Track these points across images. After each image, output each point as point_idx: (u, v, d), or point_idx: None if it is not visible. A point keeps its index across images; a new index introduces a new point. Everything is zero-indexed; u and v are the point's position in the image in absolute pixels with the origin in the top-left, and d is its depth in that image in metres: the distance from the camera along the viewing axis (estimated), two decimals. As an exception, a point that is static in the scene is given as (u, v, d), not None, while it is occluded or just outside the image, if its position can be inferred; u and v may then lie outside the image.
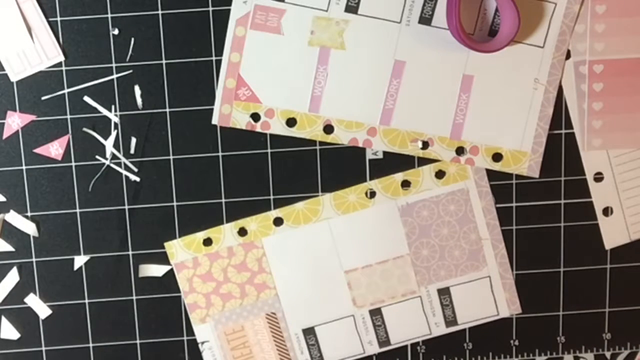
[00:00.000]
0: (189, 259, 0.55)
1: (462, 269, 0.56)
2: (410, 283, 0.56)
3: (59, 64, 0.54)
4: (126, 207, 0.55)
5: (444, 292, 0.56)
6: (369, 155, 0.55)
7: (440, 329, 0.57)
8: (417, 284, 0.56)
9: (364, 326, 0.56)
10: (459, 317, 0.57)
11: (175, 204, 0.55)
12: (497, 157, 0.55)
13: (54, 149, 0.54)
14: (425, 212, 0.55)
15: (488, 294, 0.56)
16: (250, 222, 0.55)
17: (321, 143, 0.55)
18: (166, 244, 0.55)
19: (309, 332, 0.56)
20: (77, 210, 0.55)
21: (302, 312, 0.56)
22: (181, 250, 0.55)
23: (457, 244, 0.56)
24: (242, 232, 0.55)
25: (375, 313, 0.56)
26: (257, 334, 0.56)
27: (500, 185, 0.56)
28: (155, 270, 0.56)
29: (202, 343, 0.56)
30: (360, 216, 0.55)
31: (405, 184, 0.55)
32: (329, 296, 0.56)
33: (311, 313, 0.56)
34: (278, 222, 0.55)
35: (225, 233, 0.55)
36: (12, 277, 0.56)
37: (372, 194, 0.55)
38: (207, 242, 0.55)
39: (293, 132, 0.54)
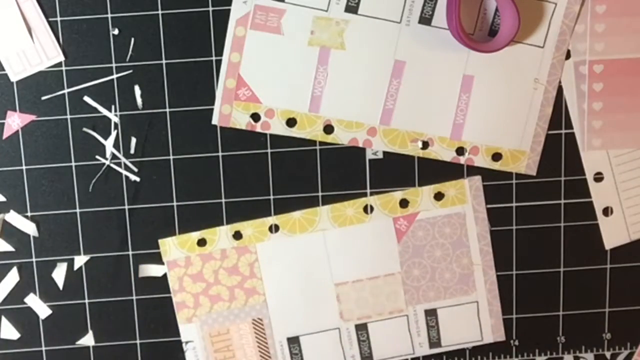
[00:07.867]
0: (182, 258, 0.55)
1: (451, 292, 0.56)
2: (398, 301, 0.56)
3: (59, 64, 0.54)
4: (126, 207, 0.55)
5: (431, 314, 0.56)
6: (369, 155, 0.55)
7: (424, 350, 0.57)
8: (406, 303, 0.56)
9: (349, 340, 0.56)
10: (443, 340, 0.56)
11: (175, 204, 0.55)
12: (496, 156, 0.55)
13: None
14: (421, 233, 0.55)
15: (474, 319, 0.56)
16: (247, 227, 0.55)
17: (321, 143, 0.55)
18: (160, 241, 0.55)
19: (294, 341, 0.56)
20: (77, 210, 0.55)
21: (288, 320, 0.56)
22: (174, 248, 0.55)
23: (448, 266, 0.55)
24: (237, 235, 0.55)
25: (361, 328, 0.56)
26: (241, 338, 0.56)
27: (500, 185, 0.56)
28: (155, 270, 0.56)
29: (187, 343, 0.56)
30: (356, 230, 0.55)
31: (404, 202, 0.55)
32: (316, 307, 0.56)
33: (297, 322, 0.56)
34: (274, 229, 0.55)
35: (220, 235, 0.55)
36: (12, 277, 0.56)
37: (370, 209, 0.55)
38: (202, 242, 0.55)
39: (293, 132, 0.54)
